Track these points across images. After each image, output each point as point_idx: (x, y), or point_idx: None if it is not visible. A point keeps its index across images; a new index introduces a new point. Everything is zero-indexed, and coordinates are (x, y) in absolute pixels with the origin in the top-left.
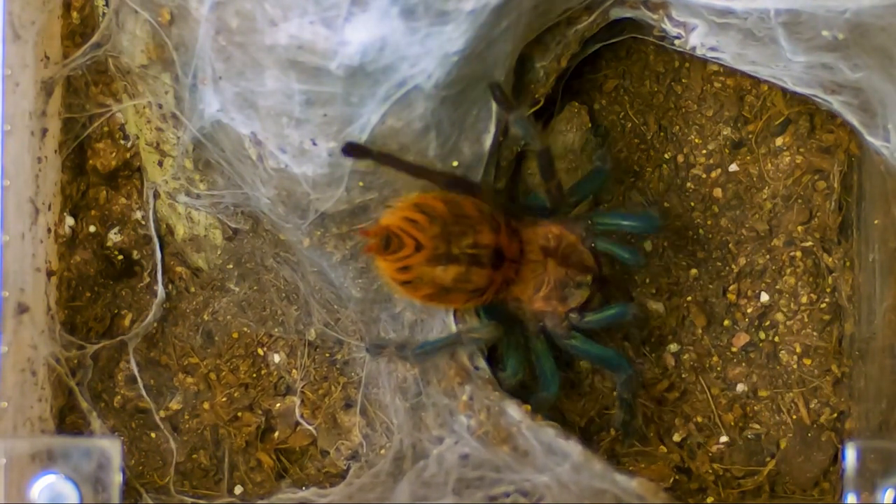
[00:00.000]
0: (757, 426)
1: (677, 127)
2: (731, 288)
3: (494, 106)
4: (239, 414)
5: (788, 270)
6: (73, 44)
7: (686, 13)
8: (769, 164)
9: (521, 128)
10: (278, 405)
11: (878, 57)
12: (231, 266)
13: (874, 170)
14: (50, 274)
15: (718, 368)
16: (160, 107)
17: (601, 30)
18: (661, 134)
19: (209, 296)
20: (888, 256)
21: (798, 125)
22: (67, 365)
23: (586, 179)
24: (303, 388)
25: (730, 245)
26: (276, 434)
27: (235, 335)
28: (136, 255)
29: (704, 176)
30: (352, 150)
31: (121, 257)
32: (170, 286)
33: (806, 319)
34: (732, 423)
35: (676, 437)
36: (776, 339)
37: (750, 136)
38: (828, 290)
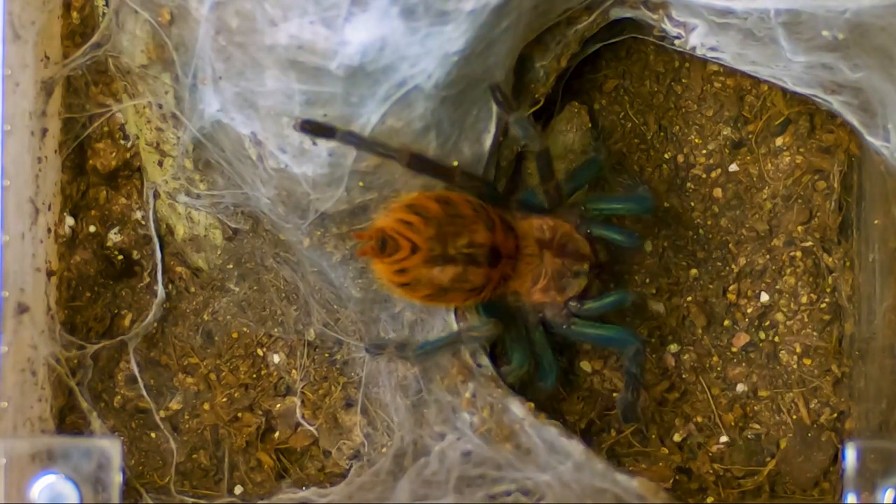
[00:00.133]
0: (757, 426)
1: (677, 127)
2: (731, 288)
3: (494, 106)
4: (239, 414)
5: (788, 270)
6: (73, 44)
7: (686, 13)
8: (769, 164)
9: (521, 128)
10: (278, 406)
11: (878, 57)
12: (231, 266)
13: (874, 170)
14: (50, 274)
15: (718, 368)
16: (160, 107)
17: (601, 30)
18: (661, 134)
19: (209, 296)
20: (888, 256)
21: (798, 125)
22: (67, 365)
23: (580, 169)
24: (303, 388)
25: (730, 245)
26: (277, 434)
27: (235, 335)
28: (136, 255)
29: (704, 176)
30: (309, 127)
31: (121, 257)
32: (170, 286)
33: (806, 319)
34: (732, 423)
35: (677, 438)
36: (776, 339)
37: (750, 136)
38: (828, 290)
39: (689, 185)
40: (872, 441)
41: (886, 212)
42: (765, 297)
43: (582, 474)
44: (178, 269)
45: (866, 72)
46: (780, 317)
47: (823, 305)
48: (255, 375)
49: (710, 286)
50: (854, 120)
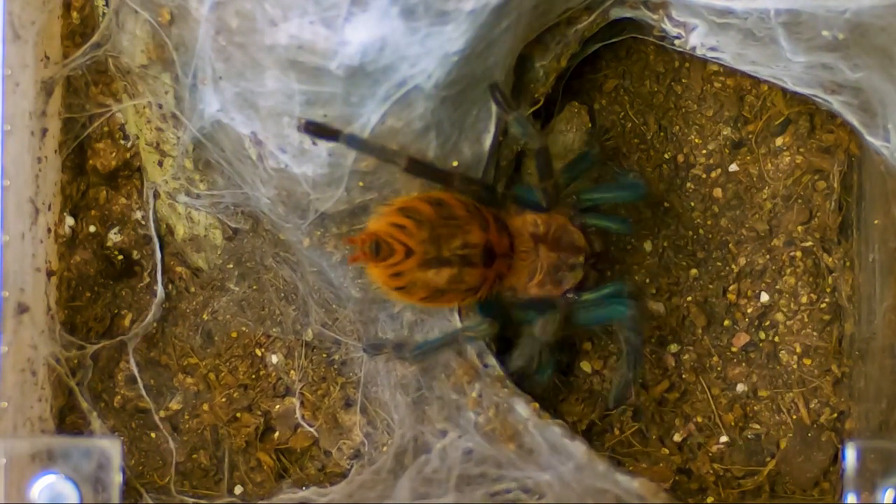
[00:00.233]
0: (757, 426)
1: (677, 127)
2: (731, 288)
3: (494, 106)
4: (238, 415)
5: (788, 270)
6: (73, 44)
7: (686, 13)
8: (769, 164)
9: (520, 126)
10: (277, 406)
11: (878, 57)
12: (231, 266)
13: (874, 170)
14: (50, 274)
15: (718, 368)
16: (160, 107)
17: (601, 30)
18: (661, 134)
19: (209, 296)
20: (888, 256)
21: (798, 125)
22: (67, 365)
23: (572, 163)
24: (301, 389)
25: (730, 245)
26: (277, 435)
27: (235, 335)
28: (136, 255)
29: (704, 176)
30: (312, 128)
31: (121, 257)
32: (170, 286)
33: (806, 319)
34: (732, 423)
35: (677, 438)
36: (776, 339)
37: (750, 136)
38: (828, 290)
39: (689, 185)
40: (872, 441)
41: (886, 212)
42: (765, 297)
43: (583, 474)
44: (178, 269)
45: (866, 72)
46: (780, 317)
47: (823, 305)
48: (253, 376)
49: (710, 286)
50: (854, 120)
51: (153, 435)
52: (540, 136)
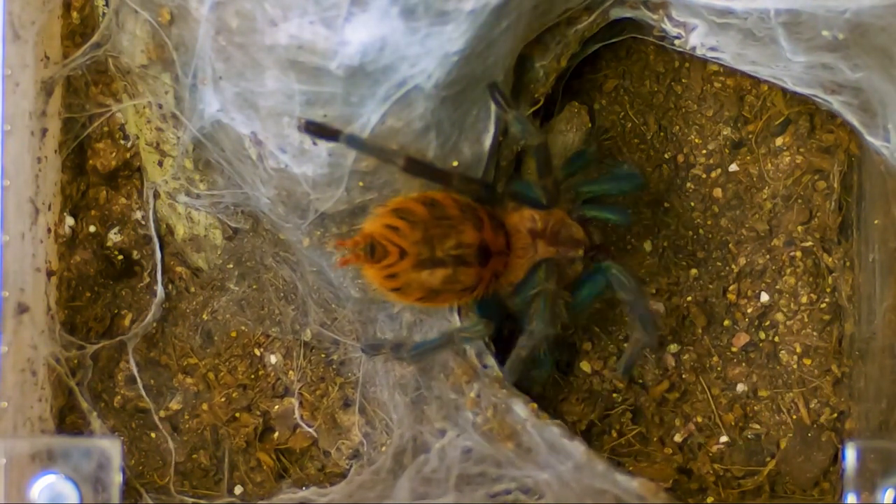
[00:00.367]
0: (757, 426)
1: (677, 127)
2: (731, 288)
3: (494, 106)
4: (237, 415)
5: (788, 270)
6: (73, 44)
7: (686, 13)
8: (769, 164)
9: (519, 124)
10: (276, 407)
11: (878, 57)
12: (231, 266)
13: (874, 170)
14: (50, 274)
15: (718, 368)
16: (160, 107)
17: (601, 30)
18: (661, 134)
19: (209, 296)
20: (888, 256)
21: (798, 125)
22: (67, 365)
23: (569, 159)
24: (300, 389)
25: (730, 245)
26: (276, 435)
27: (234, 334)
28: (136, 255)
29: (704, 176)
30: (312, 128)
31: (121, 257)
32: (170, 286)
33: (806, 319)
34: (732, 423)
35: (677, 438)
36: (776, 339)
37: (750, 136)
38: (828, 290)
39: (689, 185)
40: (872, 441)
41: (886, 212)
42: (765, 297)
43: (582, 474)
44: (178, 269)
45: (866, 72)
46: (780, 317)
47: (823, 305)
48: (252, 376)
49: (710, 286)
50: (854, 120)
51: (153, 435)
52: (539, 133)
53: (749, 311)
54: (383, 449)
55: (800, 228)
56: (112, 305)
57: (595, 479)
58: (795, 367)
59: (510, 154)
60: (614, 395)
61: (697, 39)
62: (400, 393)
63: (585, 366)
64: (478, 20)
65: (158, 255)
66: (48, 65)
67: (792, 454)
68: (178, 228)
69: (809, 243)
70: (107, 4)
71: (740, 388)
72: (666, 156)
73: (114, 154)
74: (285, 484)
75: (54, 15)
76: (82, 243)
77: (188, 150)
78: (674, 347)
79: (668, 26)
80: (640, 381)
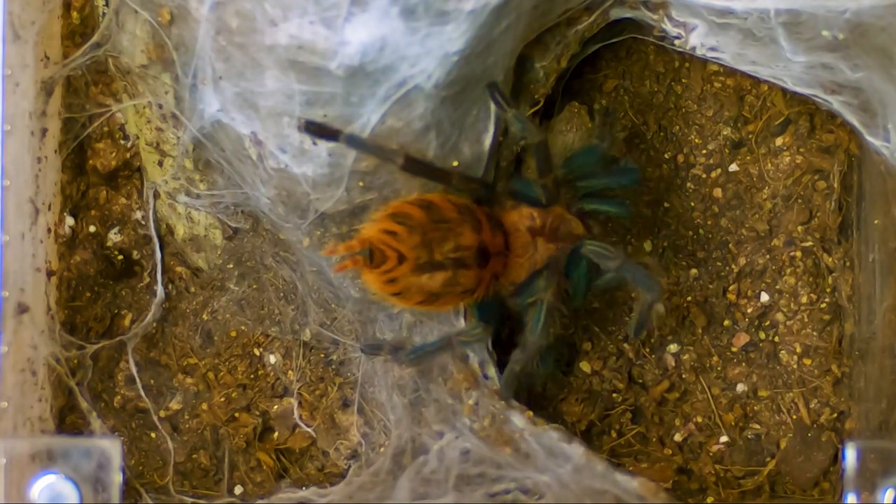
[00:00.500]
0: (757, 426)
1: (677, 127)
2: (731, 288)
3: (493, 106)
4: (236, 415)
5: (788, 270)
6: (73, 44)
7: (686, 13)
8: (769, 164)
9: (518, 122)
10: (276, 407)
11: (878, 57)
12: (231, 266)
13: (874, 170)
14: (50, 274)
15: (718, 368)
16: (160, 107)
17: (601, 30)
18: (661, 134)
19: (209, 296)
20: (888, 256)
21: (798, 125)
22: (67, 365)
23: (577, 155)
24: (299, 389)
25: (730, 245)
26: (276, 435)
27: (234, 334)
28: (136, 255)
29: (704, 176)
30: (312, 128)
31: (121, 257)
32: (170, 286)
33: (806, 319)
34: (732, 423)
35: (677, 438)
36: (776, 339)
37: (750, 136)
38: (828, 290)
39: (689, 185)
40: (872, 441)
41: (886, 212)
42: (765, 297)
43: (582, 475)
44: (178, 269)
45: (866, 72)
46: (780, 317)
47: (823, 305)
48: (252, 376)
49: (710, 286)
50: (854, 120)
51: (153, 435)
52: (539, 131)
53: (749, 311)
54: (381, 450)
55: (800, 228)
56: (112, 305)
57: (595, 480)
58: (795, 367)
59: (510, 154)
60: (614, 395)
61: (697, 39)
62: (398, 394)
63: (585, 366)
64: (478, 20)
65: (158, 255)
66: (48, 65)
67: (792, 454)
68: (178, 228)
69: (809, 243)
70: (107, 4)
71: (740, 388)
72: (666, 156)
73: (114, 154)
74: (285, 484)
75: (54, 15)
76: (82, 243)
77: (188, 150)
78: (674, 347)
79: (668, 26)
80: (640, 381)
